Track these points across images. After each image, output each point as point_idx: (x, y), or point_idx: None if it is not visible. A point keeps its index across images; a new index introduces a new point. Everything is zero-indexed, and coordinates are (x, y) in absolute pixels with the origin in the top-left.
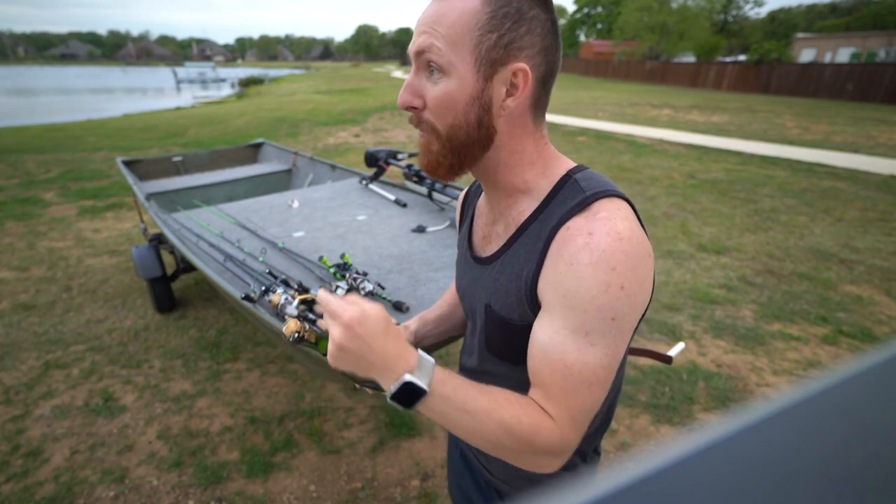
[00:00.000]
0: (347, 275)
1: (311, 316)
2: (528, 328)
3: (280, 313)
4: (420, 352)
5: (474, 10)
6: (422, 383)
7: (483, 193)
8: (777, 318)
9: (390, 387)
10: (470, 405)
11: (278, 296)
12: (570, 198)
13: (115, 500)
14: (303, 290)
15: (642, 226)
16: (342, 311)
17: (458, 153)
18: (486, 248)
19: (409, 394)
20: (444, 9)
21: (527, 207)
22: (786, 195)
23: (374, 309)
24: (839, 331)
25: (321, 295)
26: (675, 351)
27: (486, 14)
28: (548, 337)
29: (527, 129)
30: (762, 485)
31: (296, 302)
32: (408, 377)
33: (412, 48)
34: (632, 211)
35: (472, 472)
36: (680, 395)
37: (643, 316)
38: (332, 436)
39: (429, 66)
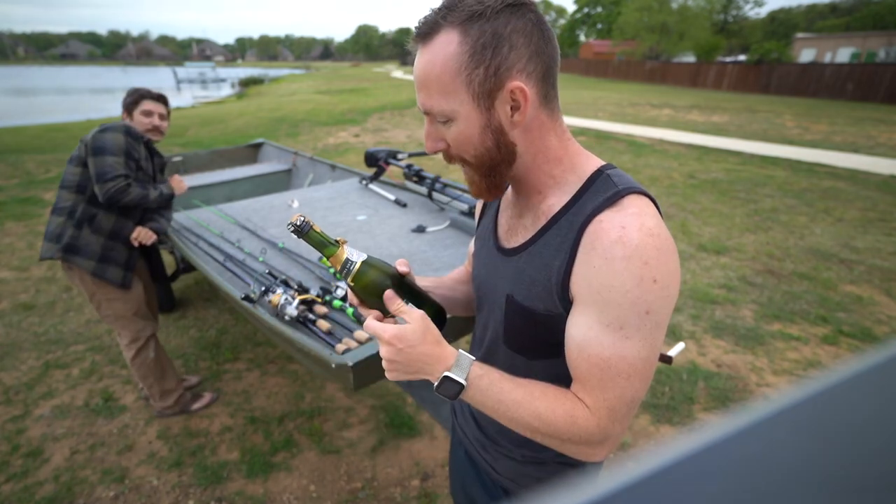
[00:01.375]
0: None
1: (310, 316)
2: (551, 319)
3: (280, 314)
4: (460, 351)
5: (455, 54)
6: (460, 378)
7: (509, 187)
8: (777, 318)
9: (434, 383)
10: (506, 397)
11: (278, 296)
12: (602, 192)
13: (115, 500)
14: (303, 290)
15: None
16: (383, 331)
17: (491, 175)
18: (511, 240)
19: (450, 388)
20: (429, 62)
21: (557, 201)
22: (786, 195)
23: (410, 322)
24: (839, 331)
25: (367, 324)
26: (675, 351)
27: (466, 53)
28: (582, 333)
29: (544, 126)
30: (762, 485)
31: (296, 302)
32: (446, 373)
33: (419, 106)
34: (657, 209)
35: (477, 472)
36: (680, 395)
37: None
38: (331, 436)
39: (437, 118)
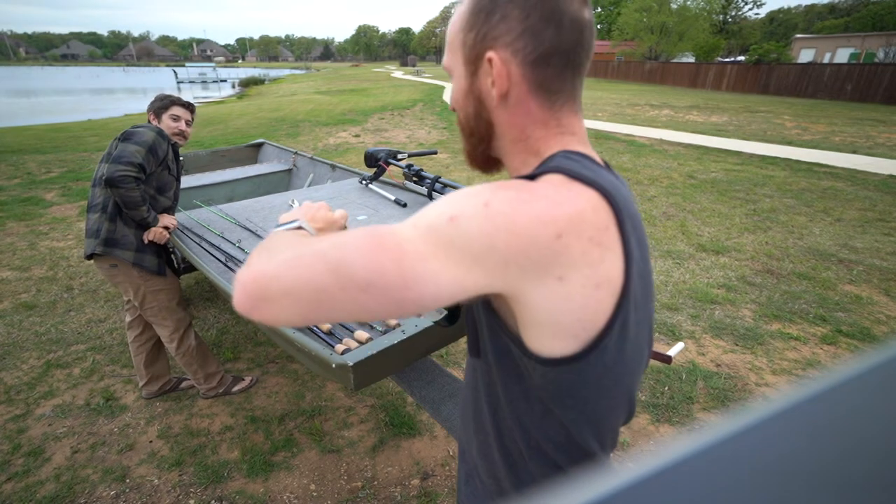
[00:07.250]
0: None
1: None
2: (477, 309)
3: None
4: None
5: (461, 13)
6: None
7: None
8: (776, 317)
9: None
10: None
11: None
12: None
13: (115, 499)
14: None
15: (625, 246)
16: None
17: (469, 142)
18: None
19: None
20: (452, 19)
21: None
22: (785, 195)
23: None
24: (838, 331)
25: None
26: (674, 350)
27: (466, 15)
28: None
29: (530, 116)
30: (762, 485)
31: None
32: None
33: None
34: (583, 207)
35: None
36: (679, 395)
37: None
38: (332, 435)
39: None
